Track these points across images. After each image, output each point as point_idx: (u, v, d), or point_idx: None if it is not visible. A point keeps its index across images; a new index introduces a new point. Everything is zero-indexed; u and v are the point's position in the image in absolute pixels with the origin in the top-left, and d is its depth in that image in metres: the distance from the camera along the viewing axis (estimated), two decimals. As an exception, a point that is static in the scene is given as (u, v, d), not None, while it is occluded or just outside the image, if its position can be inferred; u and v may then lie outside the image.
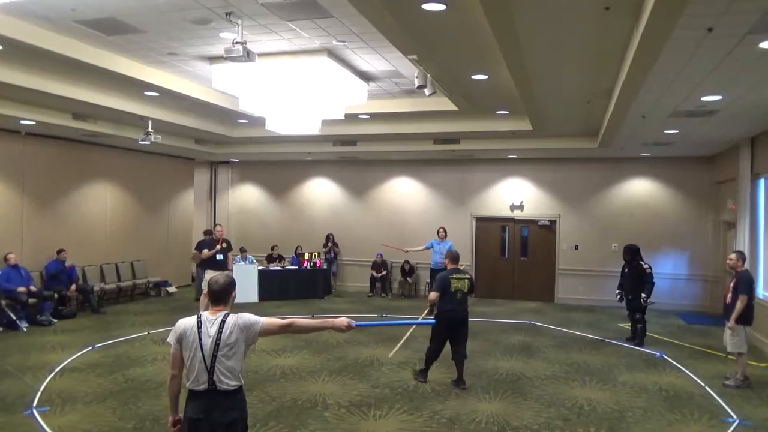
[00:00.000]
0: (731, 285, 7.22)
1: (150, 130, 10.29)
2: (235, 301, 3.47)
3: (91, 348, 8.63)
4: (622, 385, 7.18)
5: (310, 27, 6.39)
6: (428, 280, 13.09)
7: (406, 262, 14.37)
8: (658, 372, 7.82)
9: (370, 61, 7.70)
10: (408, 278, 14.50)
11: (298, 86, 7.72)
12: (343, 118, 9.31)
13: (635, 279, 9.38)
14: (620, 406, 6.43)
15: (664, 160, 13.08)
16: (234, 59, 5.91)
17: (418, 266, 14.41)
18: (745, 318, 7.10)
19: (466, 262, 13.54)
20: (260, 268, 13.74)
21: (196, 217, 16.21)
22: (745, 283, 7.11)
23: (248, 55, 5.90)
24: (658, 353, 8.78)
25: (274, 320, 3.41)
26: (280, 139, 12.60)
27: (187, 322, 3.32)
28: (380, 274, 14.50)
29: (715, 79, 6.12)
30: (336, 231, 15.29)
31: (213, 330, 3.24)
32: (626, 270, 9.62)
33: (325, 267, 14.42)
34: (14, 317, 9.80)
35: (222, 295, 3.35)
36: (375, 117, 10.83)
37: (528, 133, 11.11)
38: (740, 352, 7.13)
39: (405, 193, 15.19)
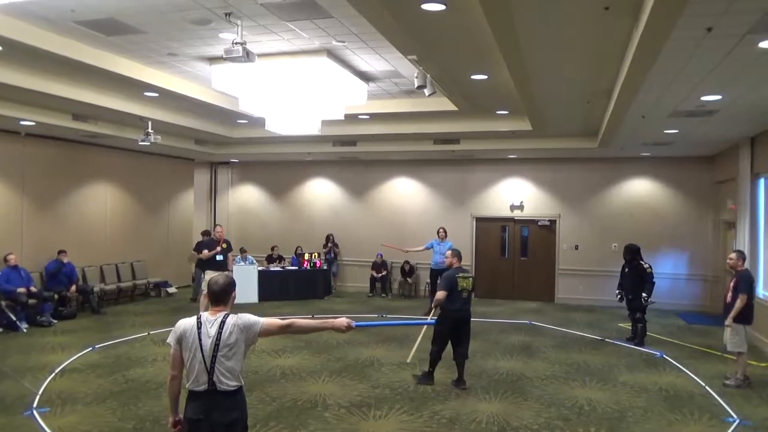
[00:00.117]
0: (731, 284, 7.22)
1: (150, 130, 10.29)
2: (235, 301, 3.47)
3: (91, 349, 8.63)
4: (623, 385, 7.18)
5: (309, 27, 6.39)
6: (428, 281, 13.09)
7: (406, 262, 14.37)
8: (658, 372, 7.82)
9: (369, 61, 7.70)
10: (408, 278, 14.50)
11: (297, 87, 7.72)
12: (343, 118, 9.31)
13: (635, 279, 9.39)
14: (620, 406, 6.43)
15: (664, 160, 13.08)
16: (234, 60, 5.92)
17: (418, 266, 14.41)
18: (745, 317, 7.11)
19: (467, 262, 13.53)
20: (260, 268, 13.74)
21: (196, 217, 16.22)
22: (746, 282, 7.11)
23: (248, 56, 5.91)
24: (658, 353, 8.78)
25: (274, 321, 3.41)
26: (280, 140, 12.59)
27: (187, 323, 3.32)
28: (380, 275, 14.49)
29: (714, 79, 6.12)
30: (336, 231, 15.29)
31: (213, 330, 3.24)
32: (626, 270, 9.62)
33: (325, 267, 14.42)
34: (14, 318, 9.79)
35: (222, 296, 3.35)
36: (375, 117, 10.83)
37: (528, 133, 11.11)
38: (740, 351, 7.13)
39: (405, 194, 15.19)
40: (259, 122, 10.23)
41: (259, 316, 3.39)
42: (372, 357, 8.34)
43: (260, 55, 6.79)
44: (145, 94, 9.15)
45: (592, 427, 5.80)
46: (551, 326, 10.86)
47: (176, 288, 14.30)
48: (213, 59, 7.63)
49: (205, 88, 9.06)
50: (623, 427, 5.81)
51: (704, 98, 7.02)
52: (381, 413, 6.11)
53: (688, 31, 4.57)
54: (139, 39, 6.84)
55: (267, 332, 3.37)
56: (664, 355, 8.65)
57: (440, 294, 6.90)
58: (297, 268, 14.20)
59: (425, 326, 7.01)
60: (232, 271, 11.47)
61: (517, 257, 14.42)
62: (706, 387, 7.10)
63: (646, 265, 9.40)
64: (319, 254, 14.60)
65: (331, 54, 7.33)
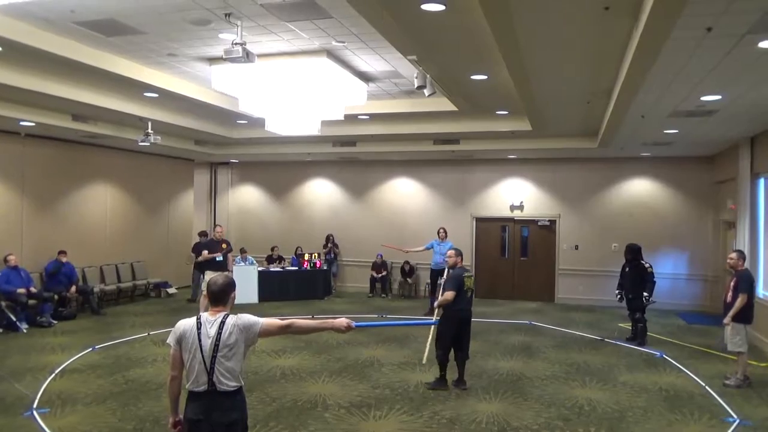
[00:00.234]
0: (732, 284, 7.22)
1: (150, 131, 10.29)
2: (235, 302, 3.48)
3: (91, 349, 8.63)
4: (622, 385, 7.17)
5: (309, 28, 6.39)
6: (428, 281, 13.08)
7: (406, 262, 14.37)
8: (658, 372, 7.82)
9: (369, 61, 7.70)
10: (408, 279, 14.50)
11: (297, 87, 7.72)
12: (343, 118, 9.31)
13: (636, 278, 9.38)
14: (620, 406, 6.43)
15: (664, 160, 13.08)
16: (233, 60, 5.92)
17: (418, 267, 14.41)
18: (745, 317, 7.11)
19: (466, 262, 13.52)
20: (260, 268, 13.74)
21: (195, 217, 16.21)
22: (746, 282, 7.12)
23: (248, 56, 5.91)
24: (658, 353, 8.78)
25: (274, 321, 3.41)
26: (279, 140, 12.60)
27: (187, 323, 3.32)
28: (380, 275, 14.49)
29: (714, 79, 6.12)
30: (336, 232, 15.29)
31: (212, 331, 3.24)
32: (627, 269, 9.62)
33: (325, 268, 14.42)
34: (14, 318, 9.79)
35: (221, 296, 3.35)
36: (374, 117, 10.83)
37: (528, 133, 11.11)
38: (740, 351, 7.13)
39: (405, 194, 15.19)
40: (258, 123, 10.23)
41: (259, 316, 3.39)
42: (372, 357, 8.34)
43: (260, 56, 6.79)
44: (145, 94, 9.15)
45: (592, 427, 5.80)
46: (551, 326, 10.86)
47: (176, 288, 14.30)
48: (213, 60, 7.64)
49: (204, 88, 9.06)
50: (623, 427, 5.81)
51: (704, 98, 7.03)
52: (381, 413, 6.11)
53: (688, 31, 4.57)
54: (138, 39, 6.84)
55: (267, 332, 3.37)
56: (664, 355, 8.65)
57: (449, 294, 6.74)
58: (297, 268, 14.20)
59: (433, 325, 6.91)
60: (232, 271, 11.47)
61: (517, 257, 14.42)
62: (706, 387, 7.09)
63: (647, 265, 9.40)
64: (319, 254, 14.60)
65: (331, 54, 7.33)
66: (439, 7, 4.89)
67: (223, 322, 3.26)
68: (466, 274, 6.93)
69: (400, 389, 6.91)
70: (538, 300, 13.88)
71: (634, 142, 10.96)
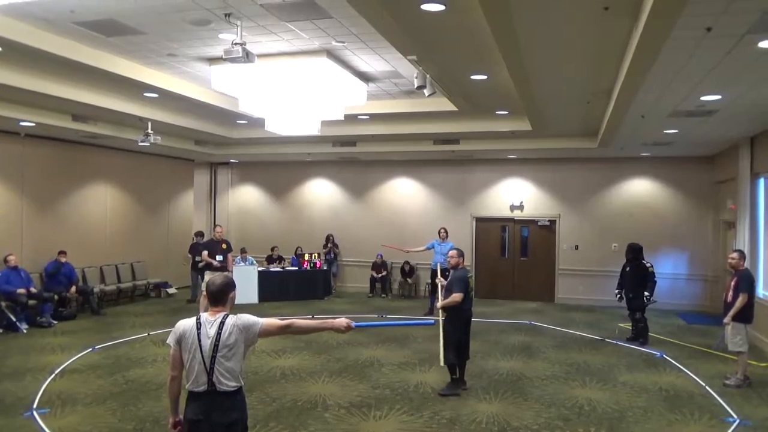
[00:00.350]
0: (732, 284, 7.21)
1: (149, 131, 10.29)
2: (236, 302, 3.47)
3: (91, 349, 8.63)
4: (623, 385, 7.17)
5: (309, 28, 6.39)
6: (428, 281, 13.07)
7: (406, 262, 14.37)
8: (658, 372, 7.82)
9: (369, 61, 7.70)
10: (408, 279, 14.49)
11: (297, 87, 7.72)
12: (343, 118, 9.31)
13: (637, 278, 9.38)
14: (620, 406, 6.43)
15: (664, 160, 13.08)
16: (233, 60, 5.92)
17: (418, 267, 14.41)
18: (746, 316, 7.11)
19: (466, 262, 13.52)
20: (260, 269, 13.74)
21: (195, 218, 16.21)
22: (747, 281, 7.12)
23: (247, 56, 5.91)
24: (658, 353, 8.78)
25: (274, 321, 3.41)
26: (279, 140, 12.60)
27: (187, 324, 3.32)
28: (380, 275, 14.49)
29: (714, 79, 6.12)
30: (336, 232, 15.29)
31: (212, 331, 3.24)
32: (628, 269, 9.62)
33: (325, 268, 14.41)
34: (14, 319, 9.79)
35: (219, 296, 3.35)
36: (374, 118, 10.83)
37: (527, 133, 11.11)
38: (741, 351, 7.13)
39: (405, 194, 15.19)
40: (258, 123, 10.23)
41: (258, 316, 3.39)
42: (372, 357, 8.34)
43: (260, 56, 6.79)
44: (145, 94, 9.15)
45: (592, 427, 5.80)
46: (551, 326, 10.86)
47: (176, 288, 14.29)
48: (213, 60, 7.63)
49: (204, 88, 9.06)
50: (623, 427, 5.81)
51: (704, 98, 7.03)
52: (381, 414, 6.11)
53: (688, 31, 4.57)
54: (138, 40, 6.84)
55: (266, 333, 3.36)
56: (664, 355, 8.65)
57: (458, 296, 6.62)
58: (297, 268, 14.20)
59: (442, 325, 6.77)
60: (231, 271, 11.46)
61: (517, 257, 14.42)
62: (706, 387, 7.09)
63: (648, 265, 9.40)
64: (319, 254, 14.60)
65: (331, 54, 7.33)
66: (439, 7, 4.89)
67: (222, 323, 3.26)
68: (469, 275, 6.92)
69: (400, 389, 6.91)
70: (538, 300, 13.88)
71: (634, 142, 10.96)
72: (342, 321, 3.47)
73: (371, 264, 14.61)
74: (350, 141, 12.99)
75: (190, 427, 3.28)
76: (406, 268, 14.45)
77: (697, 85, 6.38)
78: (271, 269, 14.11)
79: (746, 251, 8.97)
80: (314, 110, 8.66)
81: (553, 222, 14.06)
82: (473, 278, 7.07)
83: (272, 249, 14.99)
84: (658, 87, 6.49)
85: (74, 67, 7.31)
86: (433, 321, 4.24)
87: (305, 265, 14.21)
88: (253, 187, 16.71)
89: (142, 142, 10.29)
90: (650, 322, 9.65)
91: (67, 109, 9.71)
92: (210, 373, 3.21)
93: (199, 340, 3.23)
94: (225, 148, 14.43)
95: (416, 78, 6.71)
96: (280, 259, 14.82)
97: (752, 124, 8.79)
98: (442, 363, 6.71)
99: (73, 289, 11.25)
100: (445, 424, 5.84)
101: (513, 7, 4.62)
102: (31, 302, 10.18)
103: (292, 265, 14.45)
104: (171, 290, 14.12)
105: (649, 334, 9.60)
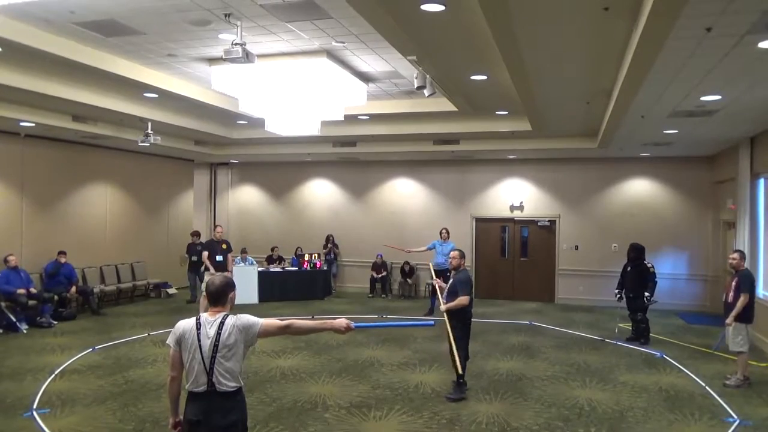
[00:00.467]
0: (733, 284, 7.21)
1: (149, 131, 10.29)
2: (236, 302, 3.47)
3: (91, 350, 8.63)
4: (623, 385, 7.17)
5: (309, 28, 6.39)
6: (428, 281, 13.07)
7: (406, 263, 14.36)
8: (658, 372, 7.82)
9: (369, 62, 7.70)
10: (408, 279, 14.49)
11: (297, 87, 7.72)
12: (343, 119, 9.32)
13: (638, 278, 9.37)
14: (621, 406, 6.43)
15: (664, 160, 13.08)
16: (233, 60, 5.92)
17: (418, 267, 14.40)
18: (747, 316, 7.11)
19: (467, 263, 13.53)
20: (260, 269, 13.73)
21: (195, 218, 16.21)
22: (748, 281, 7.12)
23: (247, 57, 5.91)
24: (658, 353, 8.78)
25: (273, 321, 3.41)
26: (279, 140, 12.60)
27: (187, 324, 3.32)
28: (380, 275, 14.49)
29: (714, 79, 6.12)
30: (336, 232, 15.29)
31: (212, 331, 3.24)
32: (629, 269, 9.61)
33: (325, 268, 14.41)
34: (14, 319, 9.79)
35: (219, 297, 3.35)
36: (374, 118, 10.83)
37: (527, 133, 11.11)
38: (742, 351, 7.13)
39: (405, 194, 15.19)
40: (258, 123, 10.23)
41: (258, 316, 3.39)
42: (372, 358, 8.34)
43: (260, 56, 6.80)
44: (145, 95, 9.15)
45: (592, 427, 5.80)
46: (551, 326, 10.86)
47: (176, 289, 14.30)
48: (212, 60, 7.64)
49: (204, 88, 9.06)
50: (623, 428, 5.80)
51: (704, 98, 7.03)
52: (381, 414, 6.11)
53: (688, 31, 4.57)
54: (138, 40, 6.85)
55: (266, 333, 3.36)
56: (664, 355, 8.65)
57: (465, 299, 6.53)
58: (297, 268, 14.20)
59: (450, 332, 6.63)
60: (231, 272, 11.47)
61: (517, 258, 14.42)
62: (706, 387, 7.09)
63: (649, 265, 9.39)
64: (319, 255, 14.60)
65: (331, 55, 7.33)
66: (438, 7, 4.89)
67: (222, 323, 3.26)
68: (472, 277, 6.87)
69: (400, 390, 6.91)
70: (538, 300, 13.88)
71: (634, 143, 10.96)
72: (342, 322, 3.46)
73: (371, 264, 14.61)
74: (350, 141, 13.00)
75: (189, 428, 3.28)
76: (406, 268, 14.45)
77: (697, 85, 6.38)
78: (271, 269, 14.11)
79: (746, 251, 8.97)
80: (314, 110, 8.67)
81: (553, 222, 14.06)
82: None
83: (272, 249, 14.99)
84: (658, 87, 6.49)
85: (74, 67, 7.31)
86: (432, 322, 4.16)
87: (305, 266, 14.21)
88: (253, 188, 16.71)
89: (142, 142, 10.29)
90: (650, 322, 9.64)
91: (67, 109, 9.71)
92: (210, 373, 3.21)
93: (199, 341, 3.23)
94: (225, 149, 14.43)
95: (416, 78, 6.71)
96: (280, 259, 14.82)
97: (752, 124, 8.78)
98: (460, 371, 6.51)
99: (73, 289, 11.25)
100: (445, 424, 5.84)
101: (512, 8, 4.62)
102: (31, 302, 10.18)
103: (292, 266, 14.45)
104: (171, 290, 14.12)
105: (650, 334, 9.60)
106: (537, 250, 14.23)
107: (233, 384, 3.25)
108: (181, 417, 3.38)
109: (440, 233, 12.03)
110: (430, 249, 11.92)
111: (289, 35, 6.66)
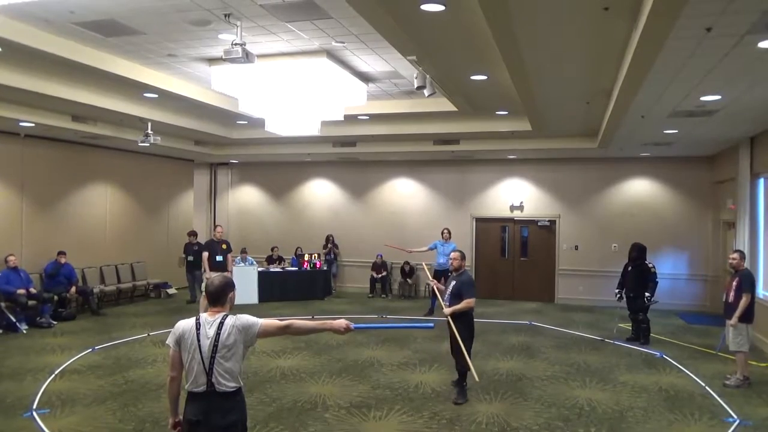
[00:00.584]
0: (734, 284, 7.21)
1: (149, 131, 10.29)
2: (236, 302, 3.47)
3: (90, 350, 8.62)
4: (623, 385, 7.17)
5: (308, 28, 6.39)
6: (428, 282, 13.04)
7: (406, 263, 14.36)
8: (658, 372, 7.82)
9: (369, 62, 7.70)
10: (408, 279, 14.49)
11: (297, 87, 7.72)
12: (343, 119, 9.32)
13: (638, 278, 9.36)
14: (620, 406, 6.43)
15: (664, 160, 13.08)
16: (233, 60, 5.92)
17: (419, 267, 14.39)
18: (747, 316, 7.11)
19: (467, 263, 13.52)
20: (260, 269, 13.73)
21: (195, 218, 16.21)
22: (749, 281, 7.13)
23: (247, 57, 5.91)
24: (658, 353, 8.77)
25: (273, 322, 3.41)
26: (279, 141, 12.60)
27: (186, 324, 3.32)
28: (380, 275, 14.49)
29: (714, 79, 6.12)
30: (336, 232, 15.29)
31: (211, 331, 3.24)
32: (629, 268, 9.60)
33: (324, 268, 14.41)
34: (14, 319, 9.79)
35: (218, 297, 3.35)
36: (374, 118, 10.83)
37: (527, 133, 11.11)
38: (742, 351, 7.13)
39: (405, 194, 15.19)
40: (258, 123, 10.23)
41: (258, 317, 3.39)
42: (372, 358, 8.34)
43: (259, 56, 6.79)
44: (145, 95, 9.15)
45: (592, 427, 5.80)
46: (551, 327, 10.85)
47: (176, 289, 14.29)
48: (212, 60, 7.64)
49: (204, 89, 9.06)
50: (623, 428, 5.80)
51: (704, 98, 7.03)
52: (381, 414, 6.10)
53: (688, 31, 4.57)
54: (138, 40, 6.84)
55: (265, 333, 3.36)
56: (664, 355, 8.65)
57: (472, 301, 6.50)
58: (297, 268, 14.19)
59: (459, 338, 6.56)
60: (231, 272, 11.47)
61: (517, 258, 14.42)
62: (706, 387, 7.09)
63: (651, 265, 9.39)
64: (319, 255, 14.60)
65: (331, 55, 7.33)
66: (438, 7, 4.89)
67: (221, 323, 3.26)
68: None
69: (400, 390, 6.91)
70: (538, 300, 13.88)
71: (634, 143, 10.96)
72: (341, 322, 3.46)
73: (371, 264, 14.61)
74: (350, 141, 12.99)
75: (189, 428, 3.28)
76: (406, 268, 14.45)
77: (697, 85, 6.38)
78: (271, 270, 14.10)
79: (746, 251, 8.97)
80: (314, 110, 8.66)
81: (553, 222, 14.05)
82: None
83: (272, 249, 14.99)
84: (658, 87, 6.49)
85: (74, 67, 7.31)
86: (432, 324, 4.08)
87: (305, 266, 14.21)
88: (253, 188, 16.71)
89: (142, 142, 10.29)
90: (651, 322, 9.64)
91: (66, 109, 9.71)
92: (209, 373, 3.21)
93: (198, 341, 3.23)
94: (225, 149, 14.43)
95: (416, 78, 6.71)
96: (280, 259, 14.81)
97: (752, 124, 8.78)
98: (477, 379, 6.46)
99: (73, 289, 11.25)
100: (445, 424, 5.83)
101: (512, 8, 4.62)
102: (31, 303, 10.18)
103: (292, 266, 14.45)
104: (171, 291, 14.11)
105: (650, 334, 9.60)
106: (537, 250, 14.23)
107: (232, 384, 3.25)
108: (181, 417, 3.38)
109: (442, 233, 12.02)
110: (431, 249, 11.91)
111: (289, 35, 6.65)
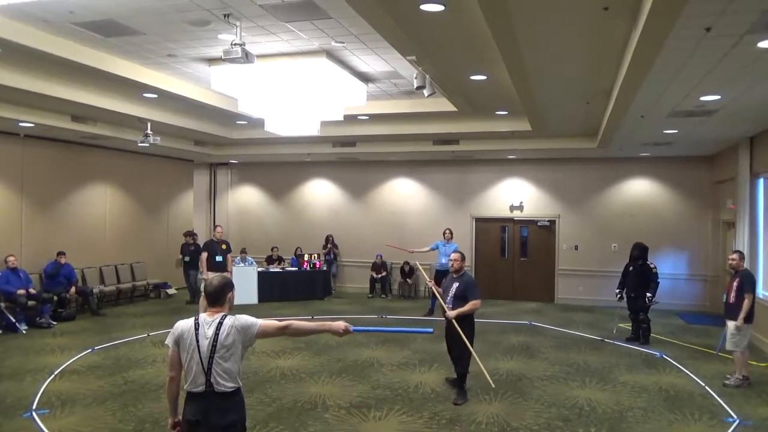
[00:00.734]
0: (734, 284, 7.20)
1: (149, 131, 10.28)
2: (235, 302, 3.47)
3: (90, 350, 8.62)
4: (623, 385, 7.17)
5: (308, 28, 6.39)
6: (428, 282, 13.02)
7: (406, 263, 14.36)
8: (658, 372, 7.81)
9: (368, 62, 7.69)
10: (408, 279, 14.49)
11: (297, 87, 7.71)
12: (342, 119, 9.31)
13: (639, 278, 9.35)
14: (620, 406, 6.43)
15: (664, 159, 13.08)
16: (233, 61, 5.92)
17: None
18: (748, 316, 7.10)
19: (466, 263, 13.51)
20: (260, 269, 13.73)
21: (195, 218, 16.21)
22: (750, 281, 7.13)
23: (247, 57, 5.91)
24: (658, 353, 8.77)
25: (272, 322, 3.41)
26: (279, 141, 12.60)
27: (185, 324, 3.32)
28: (380, 276, 14.49)
29: (713, 79, 6.12)
30: (335, 232, 15.29)
31: (210, 332, 3.24)
32: (630, 268, 9.59)
33: (324, 268, 14.40)
34: (14, 320, 9.79)
35: (217, 297, 3.35)
36: (374, 118, 10.82)
37: (527, 133, 11.11)
38: (738, 350, 7.13)
39: (404, 194, 15.18)
40: (258, 123, 10.23)
41: (258, 317, 3.39)
42: (372, 358, 8.34)
43: (259, 56, 6.79)
44: (144, 95, 9.14)
45: (592, 427, 5.79)
46: (551, 327, 10.85)
47: (176, 289, 14.29)
48: (212, 60, 7.64)
49: (204, 89, 9.06)
50: (623, 428, 5.80)
51: (703, 98, 7.03)
52: (381, 414, 6.10)
53: (687, 31, 4.57)
54: (137, 40, 6.84)
55: (264, 333, 3.36)
56: (664, 355, 8.64)
57: (479, 303, 6.55)
58: (297, 269, 14.19)
59: (468, 342, 6.46)
60: (231, 272, 11.46)
61: (517, 258, 14.42)
62: (706, 387, 7.09)
63: (652, 265, 9.38)
64: (318, 255, 14.59)
65: (330, 55, 7.32)
66: (438, 8, 4.89)
67: (220, 323, 3.25)
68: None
69: (400, 390, 6.90)
70: (538, 300, 13.88)
71: (634, 143, 10.96)
72: (340, 324, 3.46)
73: (371, 264, 14.60)
74: (350, 141, 12.99)
75: (188, 428, 3.28)
76: (406, 268, 14.44)
77: (697, 85, 6.38)
78: (271, 270, 14.10)
79: (746, 251, 8.98)
80: (314, 111, 8.66)
81: (552, 222, 14.05)
82: None
83: (272, 249, 14.99)
84: (657, 87, 6.49)
85: (73, 67, 7.30)
86: (432, 330, 4.02)
87: (305, 266, 14.20)
88: (252, 188, 16.70)
89: (141, 142, 10.28)
90: (651, 322, 9.63)
91: (66, 109, 9.70)
92: (208, 373, 3.21)
93: (197, 341, 3.23)
94: (224, 149, 14.43)
95: (416, 78, 6.71)
96: (280, 259, 14.81)
97: (752, 124, 8.78)
98: (493, 385, 6.53)
99: (73, 289, 11.25)
100: (445, 424, 5.83)
101: (512, 8, 4.61)
102: (31, 303, 10.18)
103: (291, 266, 14.44)
104: (170, 291, 14.11)
105: (650, 334, 9.59)
106: (537, 250, 14.23)
107: (231, 384, 3.25)
108: (180, 417, 3.38)
109: (444, 234, 12.00)
110: (433, 249, 11.89)
111: (289, 35, 6.65)
